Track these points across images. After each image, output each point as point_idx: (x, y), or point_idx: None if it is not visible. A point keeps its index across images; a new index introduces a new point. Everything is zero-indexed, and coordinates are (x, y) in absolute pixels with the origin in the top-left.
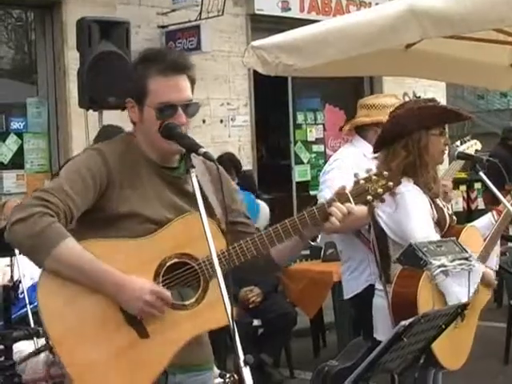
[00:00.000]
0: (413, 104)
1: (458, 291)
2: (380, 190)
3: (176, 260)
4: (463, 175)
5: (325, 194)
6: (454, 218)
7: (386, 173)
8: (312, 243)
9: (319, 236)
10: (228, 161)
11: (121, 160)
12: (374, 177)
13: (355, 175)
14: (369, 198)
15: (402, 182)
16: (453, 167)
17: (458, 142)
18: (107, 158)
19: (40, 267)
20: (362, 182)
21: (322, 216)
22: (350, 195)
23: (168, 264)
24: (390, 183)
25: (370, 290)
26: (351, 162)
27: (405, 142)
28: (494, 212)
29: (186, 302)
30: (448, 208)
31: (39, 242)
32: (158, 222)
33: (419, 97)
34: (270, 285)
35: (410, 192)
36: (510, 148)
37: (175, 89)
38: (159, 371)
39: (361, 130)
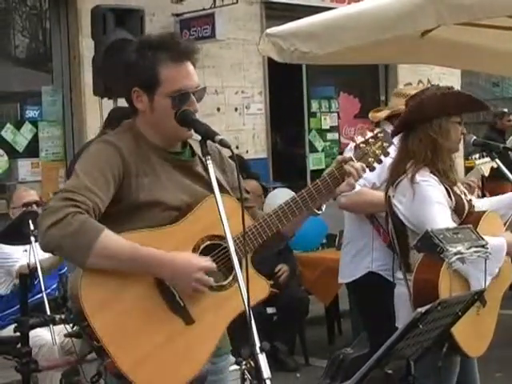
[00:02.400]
0: (435, 90)
1: (482, 276)
2: (378, 152)
3: (208, 242)
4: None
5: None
6: (473, 203)
7: (380, 134)
8: (318, 212)
9: (324, 206)
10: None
11: (131, 149)
12: (370, 140)
13: (353, 140)
14: (370, 160)
15: (419, 171)
16: (478, 170)
17: None
18: (120, 148)
19: (82, 266)
20: (362, 145)
21: (335, 182)
22: (354, 159)
23: (202, 247)
24: (385, 144)
25: (369, 277)
26: None
27: (427, 127)
28: None
29: (224, 282)
30: (466, 194)
31: (79, 240)
32: (177, 208)
33: (437, 84)
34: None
35: (426, 182)
36: (498, 131)
37: (187, 76)
38: (209, 354)
39: (395, 119)
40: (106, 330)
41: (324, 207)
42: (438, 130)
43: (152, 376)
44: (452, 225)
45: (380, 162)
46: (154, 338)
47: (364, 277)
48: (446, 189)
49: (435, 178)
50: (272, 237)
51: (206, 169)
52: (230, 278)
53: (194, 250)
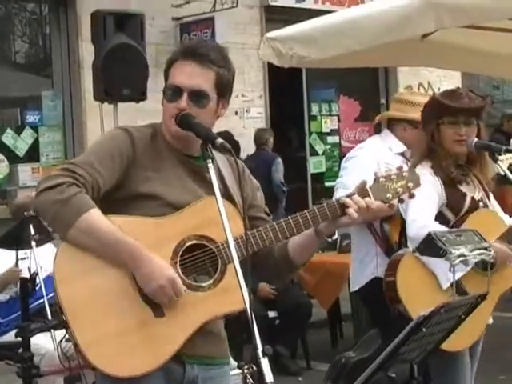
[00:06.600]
0: (437, 94)
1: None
2: (399, 190)
3: (195, 241)
4: None
5: (343, 181)
6: (488, 203)
7: (405, 173)
8: (329, 240)
9: (336, 233)
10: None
11: (146, 143)
12: (393, 176)
13: (375, 173)
14: (388, 196)
15: (421, 163)
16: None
17: None
18: (134, 137)
19: (62, 236)
20: (381, 179)
21: (341, 209)
22: (369, 191)
23: (187, 245)
24: (410, 184)
25: (374, 283)
26: (374, 153)
27: (426, 131)
28: None
29: (203, 284)
30: (478, 194)
31: (65, 210)
32: (180, 208)
33: (438, 89)
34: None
35: (421, 175)
36: (504, 133)
37: (184, 73)
38: (171, 352)
39: (391, 124)
40: (71, 302)
41: (336, 235)
42: (430, 133)
43: (107, 358)
44: (428, 218)
45: (401, 201)
46: (118, 320)
47: (370, 282)
48: (440, 185)
49: (431, 172)
50: (278, 262)
51: (221, 177)
52: (211, 281)
53: (178, 247)
